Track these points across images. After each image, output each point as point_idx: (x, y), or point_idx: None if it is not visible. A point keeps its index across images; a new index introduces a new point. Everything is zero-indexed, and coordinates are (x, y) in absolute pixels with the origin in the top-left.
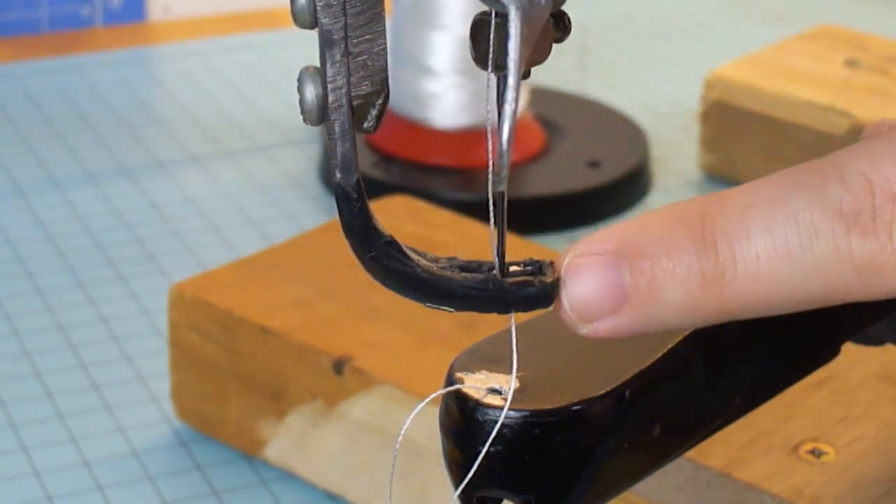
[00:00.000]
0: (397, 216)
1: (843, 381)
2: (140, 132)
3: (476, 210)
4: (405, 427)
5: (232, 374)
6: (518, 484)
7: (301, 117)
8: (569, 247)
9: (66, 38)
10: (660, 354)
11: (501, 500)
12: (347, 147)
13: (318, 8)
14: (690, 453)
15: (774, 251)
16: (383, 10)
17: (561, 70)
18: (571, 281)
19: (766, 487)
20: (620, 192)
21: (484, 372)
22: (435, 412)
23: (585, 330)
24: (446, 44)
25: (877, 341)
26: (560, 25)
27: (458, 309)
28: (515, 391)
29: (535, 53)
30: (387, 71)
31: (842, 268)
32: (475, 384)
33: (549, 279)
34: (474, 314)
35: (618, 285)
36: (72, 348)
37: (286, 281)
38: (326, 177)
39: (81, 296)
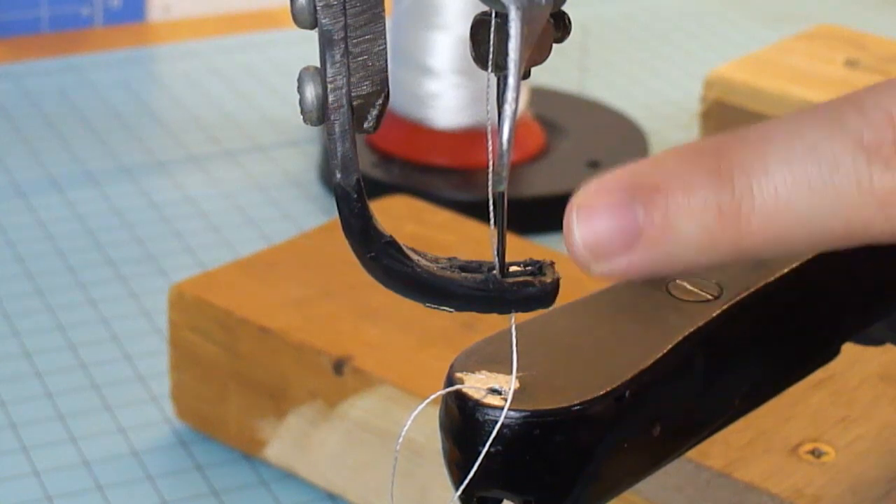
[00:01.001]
0: (397, 216)
1: (843, 381)
2: (140, 132)
3: (476, 210)
4: (405, 427)
5: (232, 374)
6: (518, 484)
7: (301, 117)
8: (581, 187)
9: (66, 38)
10: (660, 354)
11: (501, 500)
12: (347, 147)
13: (318, 8)
14: (690, 453)
15: (793, 184)
16: (383, 10)
17: (561, 70)
18: (584, 218)
19: (766, 487)
20: None
21: (484, 372)
22: (435, 412)
23: (599, 269)
24: (446, 44)
25: (877, 341)
26: (560, 25)
27: (458, 309)
28: (515, 391)
29: (535, 53)
30: (387, 71)
31: (863, 201)
32: (475, 384)
33: (548, 279)
34: (474, 314)
35: (632, 221)
36: (72, 348)
37: (286, 281)
38: (326, 177)
39: (81, 296)
